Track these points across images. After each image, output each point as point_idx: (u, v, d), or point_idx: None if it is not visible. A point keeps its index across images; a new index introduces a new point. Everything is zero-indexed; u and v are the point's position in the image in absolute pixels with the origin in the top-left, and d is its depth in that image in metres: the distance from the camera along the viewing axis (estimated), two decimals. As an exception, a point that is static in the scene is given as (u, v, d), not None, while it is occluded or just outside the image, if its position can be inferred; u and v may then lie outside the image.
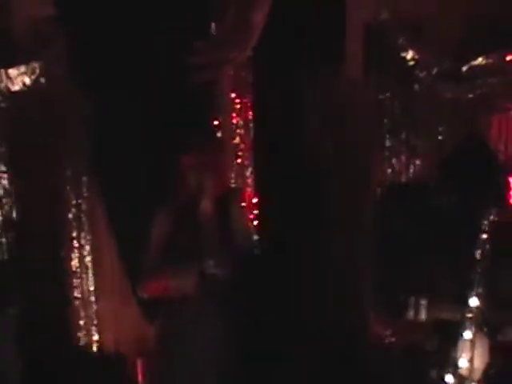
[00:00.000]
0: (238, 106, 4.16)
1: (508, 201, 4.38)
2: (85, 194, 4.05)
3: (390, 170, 4.31)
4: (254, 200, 4.13)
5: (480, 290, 2.97)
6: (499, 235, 3.37)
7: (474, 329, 2.92)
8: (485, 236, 3.73)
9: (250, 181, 4.13)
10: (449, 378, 2.98)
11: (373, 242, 3.27)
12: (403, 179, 4.31)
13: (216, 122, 4.08)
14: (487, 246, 3.23)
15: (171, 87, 3.94)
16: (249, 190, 4.13)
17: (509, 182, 4.42)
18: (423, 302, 3.05)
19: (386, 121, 4.33)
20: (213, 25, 4.07)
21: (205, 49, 3.71)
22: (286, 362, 3.76)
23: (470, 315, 2.92)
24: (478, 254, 3.27)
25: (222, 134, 4.08)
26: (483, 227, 3.68)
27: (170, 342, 3.42)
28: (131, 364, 3.80)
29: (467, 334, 2.92)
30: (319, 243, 4.00)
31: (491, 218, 3.92)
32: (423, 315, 3.05)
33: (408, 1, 4.27)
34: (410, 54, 4.32)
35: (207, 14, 4.03)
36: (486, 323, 3.01)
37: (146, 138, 4.03)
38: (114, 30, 3.93)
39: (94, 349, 3.91)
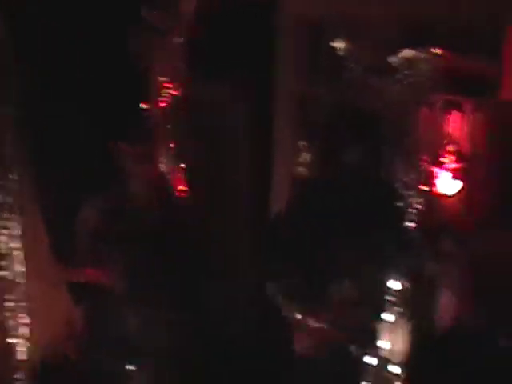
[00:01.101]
0: (170, 92, 4.25)
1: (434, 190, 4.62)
2: (13, 177, 4.08)
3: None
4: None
5: (400, 274, 3.15)
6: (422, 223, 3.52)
7: (394, 311, 3.09)
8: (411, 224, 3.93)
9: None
10: (369, 358, 3.15)
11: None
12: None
13: (146, 107, 4.16)
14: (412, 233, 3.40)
15: (103, 73, 4.00)
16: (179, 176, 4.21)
17: (432, 172, 4.65)
18: (344, 284, 3.20)
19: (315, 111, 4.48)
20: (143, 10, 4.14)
21: (137, 35, 3.81)
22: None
23: (390, 298, 3.08)
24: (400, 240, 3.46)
25: (153, 119, 4.16)
26: (408, 216, 3.88)
27: (96, 324, 3.52)
28: (61, 346, 3.87)
29: (388, 317, 3.09)
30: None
31: (416, 205, 4.13)
32: (344, 297, 3.21)
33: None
34: (340, 44, 4.45)
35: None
36: (406, 306, 3.18)
37: (77, 124, 4.08)
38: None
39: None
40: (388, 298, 3.10)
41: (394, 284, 3.10)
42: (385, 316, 3.11)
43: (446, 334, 2.21)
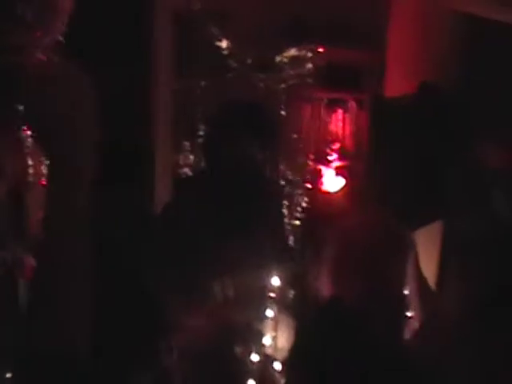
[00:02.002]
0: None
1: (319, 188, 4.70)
2: None
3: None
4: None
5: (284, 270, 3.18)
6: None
7: (276, 308, 3.11)
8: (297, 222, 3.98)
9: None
10: (254, 356, 3.16)
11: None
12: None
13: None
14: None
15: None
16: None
17: (320, 170, 4.73)
18: (228, 281, 3.21)
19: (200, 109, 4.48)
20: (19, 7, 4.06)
21: (8, 29, 3.72)
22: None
23: (272, 294, 3.11)
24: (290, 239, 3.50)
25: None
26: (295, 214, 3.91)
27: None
28: None
29: (270, 313, 3.11)
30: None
31: (303, 204, 4.18)
32: (228, 294, 3.22)
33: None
34: (224, 44, 4.47)
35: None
36: (288, 302, 3.22)
37: None
38: None
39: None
40: (270, 294, 3.12)
41: (275, 280, 3.13)
42: (268, 313, 3.13)
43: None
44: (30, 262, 2.39)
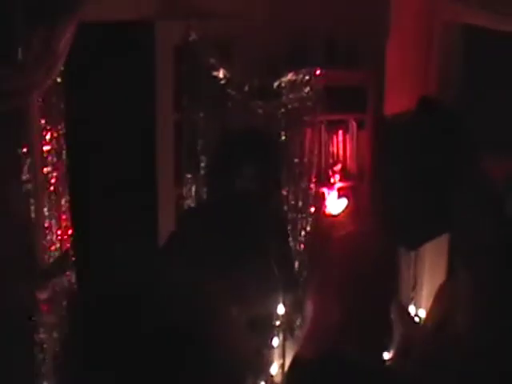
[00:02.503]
0: (50, 133, 4.23)
1: (323, 211, 4.72)
2: None
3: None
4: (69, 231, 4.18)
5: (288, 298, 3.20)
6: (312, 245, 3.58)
7: (282, 336, 3.14)
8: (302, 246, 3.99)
9: (64, 209, 4.19)
10: (265, 386, 3.19)
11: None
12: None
13: (24, 150, 4.14)
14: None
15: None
16: (64, 218, 4.20)
17: (323, 193, 4.76)
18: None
19: (200, 141, 4.53)
20: (19, 51, 4.14)
21: (9, 74, 3.79)
22: None
23: (278, 322, 3.14)
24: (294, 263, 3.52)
25: (32, 161, 4.14)
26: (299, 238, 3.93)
27: None
28: None
29: (276, 341, 3.14)
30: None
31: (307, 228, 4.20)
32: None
33: (216, 22, 4.48)
34: (221, 73, 4.53)
35: (12, 40, 4.10)
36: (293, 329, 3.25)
37: None
38: None
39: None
40: (276, 323, 3.15)
41: (281, 308, 3.15)
42: (274, 341, 3.16)
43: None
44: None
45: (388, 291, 2.38)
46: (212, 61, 4.48)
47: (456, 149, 4.42)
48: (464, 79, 4.69)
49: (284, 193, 4.47)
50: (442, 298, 3.27)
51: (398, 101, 4.69)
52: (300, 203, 4.60)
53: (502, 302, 2.24)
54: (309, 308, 2.26)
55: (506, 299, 2.25)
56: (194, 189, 4.40)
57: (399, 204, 4.36)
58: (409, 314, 2.84)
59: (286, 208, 4.48)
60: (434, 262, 4.66)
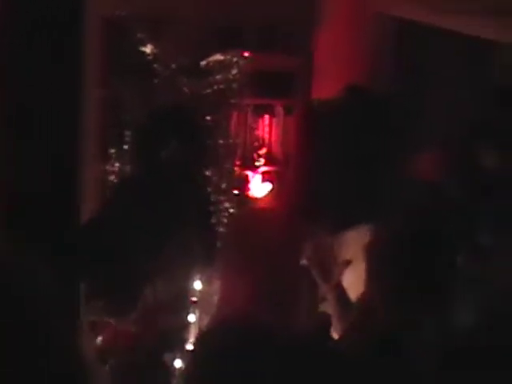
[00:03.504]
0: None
1: (246, 194, 4.77)
2: None
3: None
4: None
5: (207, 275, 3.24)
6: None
7: (198, 312, 3.17)
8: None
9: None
10: (178, 362, 3.21)
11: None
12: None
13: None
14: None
15: None
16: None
17: (246, 176, 4.81)
18: (158, 285, 3.26)
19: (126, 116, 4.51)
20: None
21: None
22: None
23: (194, 299, 3.17)
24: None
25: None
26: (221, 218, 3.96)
27: None
28: None
29: (192, 318, 3.17)
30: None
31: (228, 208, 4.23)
32: (159, 298, 3.27)
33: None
34: (149, 49, 4.52)
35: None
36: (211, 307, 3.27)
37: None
38: None
39: None
40: (193, 299, 3.18)
41: (198, 284, 3.19)
42: (190, 318, 3.19)
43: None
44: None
45: (299, 267, 2.42)
46: (140, 35, 4.47)
47: (384, 138, 4.53)
48: (394, 68, 4.78)
49: (208, 174, 4.49)
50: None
51: (326, 87, 4.76)
52: (224, 185, 4.62)
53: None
54: (221, 283, 2.30)
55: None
56: (117, 164, 4.38)
57: (324, 189, 4.44)
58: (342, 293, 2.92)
59: (209, 189, 4.50)
60: (357, 247, 4.73)
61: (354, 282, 3.59)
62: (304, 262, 2.73)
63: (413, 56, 4.61)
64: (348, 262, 3.17)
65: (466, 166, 3.55)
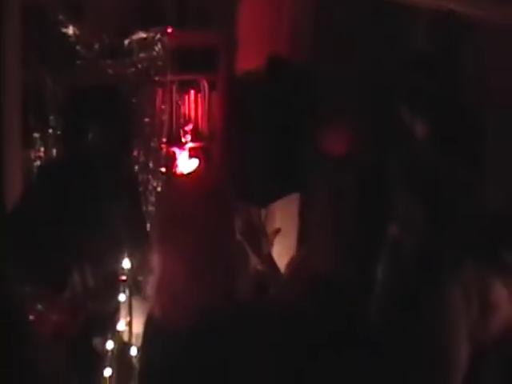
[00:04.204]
0: None
1: (173, 171, 4.83)
2: None
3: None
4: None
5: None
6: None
7: (128, 291, 3.23)
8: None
9: None
10: (109, 343, 3.26)
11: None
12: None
13: None
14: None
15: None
16: None
17: (173, 153, 4.87)
18: (86, 269, 3.32)
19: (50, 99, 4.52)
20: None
21: None
22: None
23: (123, 278, 3.22)
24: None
25: None
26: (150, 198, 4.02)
27: None
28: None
29: (122, 297, 3.23)
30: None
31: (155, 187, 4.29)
32: (87, 283, 3.33)
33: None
34: (70, 30, 4.52)
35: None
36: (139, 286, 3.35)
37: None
38: None
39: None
40: (122, 277, 3.23)
41: (126, 263, 3.24)
42: (121, 297, 3.25)
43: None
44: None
45: (234, 241, 2.51)
46: (61, 17, 4.47)
47: (305, 111, 4.63)
48: (314, 40, 4.86)
49: (134, 153, 4.54)
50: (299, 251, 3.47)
51: (249, 61, 4.83)
52: (151, 164, 4.68)
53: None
54: (155, 263, 2.37)
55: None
56: (42, 149, 4.40)
57: (249, 162, 4.54)
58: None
59: (136, 168, 4.55)
60: (284, 217, 4.85)
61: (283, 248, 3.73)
62: (237, 236, 2.81)
63: (332, 26, 4.68)
64: (277, 231, 3.29)
65: (393, 134, 3.65)
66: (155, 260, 2.35)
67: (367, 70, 4.40)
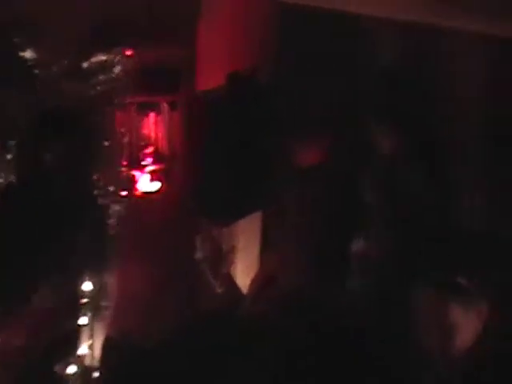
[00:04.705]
0: None
1: (133, 193, 4.81)
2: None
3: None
4: None
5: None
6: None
7: (90, 314, 3.21)
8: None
9: None
10: (72, 368, 3.23)
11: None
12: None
13: None
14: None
15: None
16: None
17: (134, 176, 4.85)
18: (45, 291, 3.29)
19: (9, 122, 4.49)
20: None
21: None
22: None
23: (84, 300, 3.20)
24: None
25: None
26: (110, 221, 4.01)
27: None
28: None
29: (83, 320, 3.20)
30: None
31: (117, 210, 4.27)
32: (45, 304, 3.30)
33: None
34: (28, 54, 4.50)
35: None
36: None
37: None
38: None
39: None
40: (83, 300, 3.21)
41: (88, 285, 3.22)
42: (82, 320, 3.22)
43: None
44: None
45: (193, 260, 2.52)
46: (17, 40, 4.46)
47: (266, 126, 4.63)
48: (279, 56, 4.87)
49: (94, 177, 4.51)
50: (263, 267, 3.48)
51: (211, 80, 4.83)
52: (111, 188, 4.65)
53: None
54: (114, 286, 2.37)
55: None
56: (3, 175, 4.36)
57: (211, 181, 4.53)
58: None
59: (96, 192, 4.52)
60: (247, 235, 4.84)
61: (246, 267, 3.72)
62: (197, 255, 2.82)
63: (296, 42, 4.70)
64: (233, 248, 3.29)
65: (359, 148, 3.67)
66: (116, 281, 2.35)
67: (332, 85, 4.42)
